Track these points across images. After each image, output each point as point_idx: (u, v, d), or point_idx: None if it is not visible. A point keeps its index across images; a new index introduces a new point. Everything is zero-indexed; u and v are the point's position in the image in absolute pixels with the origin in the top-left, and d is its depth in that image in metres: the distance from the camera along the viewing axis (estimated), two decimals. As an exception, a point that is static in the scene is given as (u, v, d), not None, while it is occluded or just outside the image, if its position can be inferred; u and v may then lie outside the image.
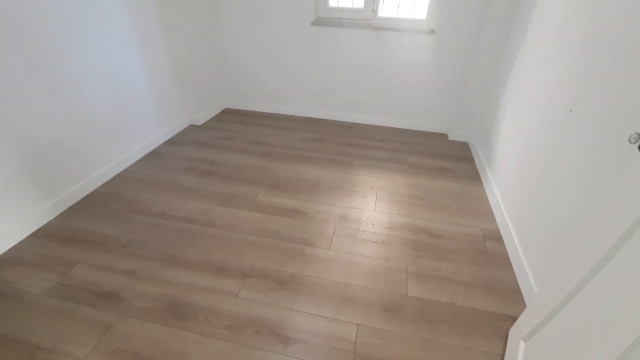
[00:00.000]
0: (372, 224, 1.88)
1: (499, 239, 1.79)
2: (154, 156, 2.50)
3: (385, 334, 1.30)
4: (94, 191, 2.08)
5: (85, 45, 1.88)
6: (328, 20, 2.74)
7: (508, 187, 1.88)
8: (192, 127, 3.00)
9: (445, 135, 3.01)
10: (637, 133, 0.69)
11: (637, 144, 0.70)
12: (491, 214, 1.99)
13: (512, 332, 1.23)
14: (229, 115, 3.29)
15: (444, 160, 2.59)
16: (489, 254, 1.70)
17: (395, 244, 1.74)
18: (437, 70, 2.75)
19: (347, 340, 1.28)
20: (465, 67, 2.67)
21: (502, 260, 1.66)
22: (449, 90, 2.82)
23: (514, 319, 1.37)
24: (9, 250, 1.62)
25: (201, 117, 3.06)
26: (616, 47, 1.13)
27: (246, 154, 2.58)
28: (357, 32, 2.72)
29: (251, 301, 1.42)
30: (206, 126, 3.04)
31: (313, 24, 2.76)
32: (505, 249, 1.73)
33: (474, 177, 2.39)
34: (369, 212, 1.98)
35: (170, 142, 2.72)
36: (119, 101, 2.19)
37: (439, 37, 2.59)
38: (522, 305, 1.44)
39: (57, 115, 1.79)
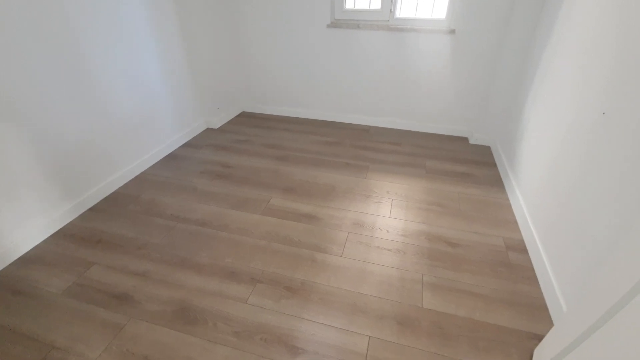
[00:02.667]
0: (387, 230, 1.82)
1: (524, 250, 1.69)
2: (171, 159, 2.54)
3: (398, 348, 1.24)
4: (113, 192, 2.13)
5: (111, 54, 1.95)
6: (344, 22, 2.70)
7: (534, 195, 1.77)
8: (209, 131, 3.03)
9: (465, 139, 2.90)
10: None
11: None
12: (515, 222, 1.88)
13: (537, 353, 1.14)
14: (245, 119, 3.31)
15: (464, 165, 2.49)
16: (512, 266, 1.60)
17: (411, 252, 1.67)
18: (457, 72, 2.65)
19: (357, 353, 1.23)
20: (488, 68, 2.56)
21: (527, 273, 1.56)
22: (471, 92, 2.71)
23: (539, 337, 1.28)
24: (32, 249, 1.68)
25: (218, 120, 3.10)
26: (657, 44, 1.03)
27: (261, 157, 2.57)
28: (374, 34, 2.67)
29: (260, 308, 1.39)
30: (223, 129, 3.07)
31: (329, 26, 2.73)
32: (530, 262, 1.62)
33: (496, 183, 2.27)
34: (384, 218, 1.91)
35: (187, 145, 2.76)
36: (141, 106, 2.25)
37: (460, 37, 2.49)
38: (548, 323, 1.34)
39: (85, 119, 1.86)
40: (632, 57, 1.14)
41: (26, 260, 1.62)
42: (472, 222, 1.89)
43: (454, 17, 2.46)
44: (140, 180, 2.27)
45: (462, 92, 2.73)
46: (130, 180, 2.25)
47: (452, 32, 2.48)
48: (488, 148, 2.75)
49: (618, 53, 1.22)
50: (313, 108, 3.25)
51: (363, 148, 2.73)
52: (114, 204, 2.02)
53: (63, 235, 1.78)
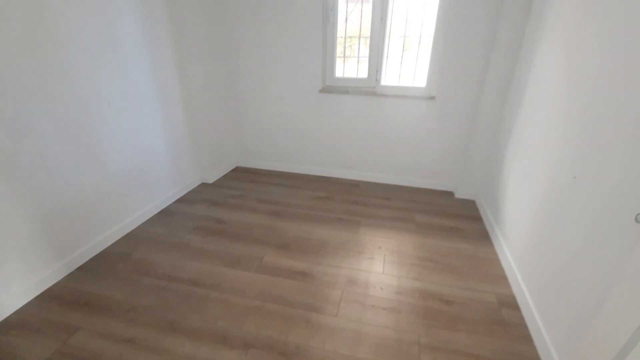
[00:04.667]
0: (381, 288, 1.82)
1: (516, 307, 1.70)
2: (164, 215, 2.55)
3: (397, 419, 1.19)
4: (103, 251, 2.10)
5: (113, 110, 2.06)
6: (335, 88, 2.96)
7: (520, 250, 1.83)
8: (203, 185, 3.09)
9: (451, 193, 3.03)
10: None
11: None
12: (505, 277, 1.92)
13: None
14: (239, 174, 3.41)
15: (452, 219, 2.58)
16: (506, 324, 1.60)
17: (406, 310, 1.67)
18: (439, 132, 2.86)
19: None
20: (466, 129, 2.78)
21: (521, 331, 1.56)
22: (452, 151, 2.90)
23: (539, 402, 1.25)
24: (14, 313, 1.61)
25: (213, 175, 3.18)
26: (621, 116, 1.19)
27: (255, 213, 2.61)
28: (362, 99, 2.91)
29: (253, 376, 1.34)
30: (217, 184, 3.14)
31: (321, 91, 2.98)
32: (524, 319, 1.63)
33: (484, 237, 2.34)
34: (377, 275, 1.93)
35: (181, 200, 2.80)
36: (137, 161, 2.32)
37: (440, 102, 2.75)
38: (547, 385, 1.32)
39: (78, 174, 1.89)
40: (594, 128, 1.30)
41: (7, 325, 1.54)
42: (464, 278, 1.91)
43: (433, 85, 2.73)
44: (132, 237, 2.25)
45: (445, 150, 2.92)
46: (121, 238, 2.24)
47: (432, 98, 2.73)
48: (473, 202, 2.88)
49: (583, 125, 1.39)
50: (305, 164, 3.38)
51: (354, 203, 2.81)
52: (103, 263, 1.99)
53: (49, 297, 1.72)
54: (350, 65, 2.96)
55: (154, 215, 2.53)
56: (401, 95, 2.80)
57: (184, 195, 2.88)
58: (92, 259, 2.02)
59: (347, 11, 2.75)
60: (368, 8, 2.66)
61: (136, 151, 2.29)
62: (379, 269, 1.98)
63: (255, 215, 2.58)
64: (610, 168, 1.15)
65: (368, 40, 2.75)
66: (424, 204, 2.81)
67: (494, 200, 2.42)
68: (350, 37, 2.86)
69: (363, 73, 2.90)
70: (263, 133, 3.36)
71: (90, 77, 1.88)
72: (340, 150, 3.21)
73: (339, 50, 2.89)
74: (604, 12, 1.33)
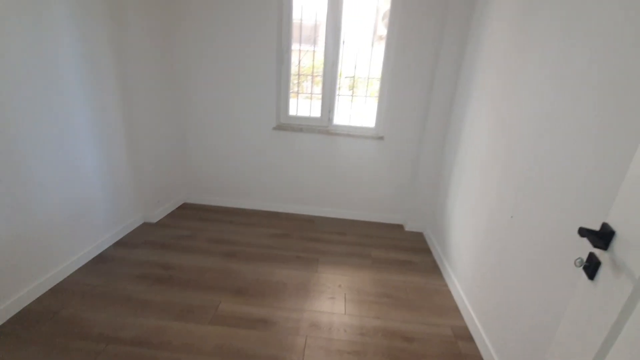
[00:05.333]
0: (345, 330, 1.80)
1: (470, 338, 1.80)
2: (100, 262, 2.26)
3: None
4: (25, 308, 1.77)
5: (43, 148, 1.82)
6: (289, 126, 3.01)
7: (468, 282, 1.98)
8: (146, 226, 2.83)
9: (402, 226, 3.19)
10: (581, 258, 0.82)
11: (582, 266, 0.82)
12: (457, 309, 2.04)
13: None
14: (187, 211, 3.20)
15: (404, 252, 2.70)
16: (464, 357, 1.68)
17: (371, 352, 1.66)
18: (389, 169, 3.05)
19: None
20: (413, 167, 3.01)
21: (477, 362, 1.65)
22: (401, 187, 3.10)
23: None
24: None
25: (157, 213, 2.94)
26: (549, 163, 1.39)
27: (207, 255, 2.45)
28: (315, 137, 3.01)
29: None
30: (162, 224, 2.90)
31: (275, 128, 3.01)
32: (479, 350, 1.73)
33: (434, 269, 2.49)
34: (340, 316, 1.91)
35: (120, 243, 2.51)
36: (71, 205, 2.06)
37: (388, 142, 2.95)
38: (505, 416, 1.39)
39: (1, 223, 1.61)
40: (526, 173, 1.50)
41: None
42: (421, 313, 1.99)
43: (381, 125, 2.95)
44: (61, 291, 1.94)
45: (394, 186, 3.11)
46: (47, 292, 1.91)
47: (381, 138, 2.93)
48: (422, 234, 3.06)
49: (515, 169, 1.60)
50: (259, 199, 3.31)
51: (311, 239, 2.80)
52: (24, 325, 1.66)
53: (-60, 380, 1.37)
54: (303, 101, 3.06)
55: (88, 263, 2.23)
56: (353, 134, 2.96)
57: (124, 238, 2.60)
58: (11, 319, 1.68)
59: (299, 52, 2.89)
60: (320, 49, 2.83)
61: (69, 193, 2.04)
62: (340, 310, 1.96)
63: (207, 258, 2.41)
64: (545, 210, 1.33)
65: (320, 78, 2.90)
66: (377, 238, 2.91)
67: (440, 233, 2.61)
68: (303, 75, 2.98)
69: (316, 112, 3.02)
70: (214, 168, 3.24)
71: (17, 110, 1.66)
72: (295, 186, 3.23)
73: (292, 87, 2.99)
74: (530, 62, 1.59)
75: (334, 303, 2.02)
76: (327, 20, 2.71)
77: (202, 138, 3.14)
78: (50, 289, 1.94)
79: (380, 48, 2.78)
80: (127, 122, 2.51)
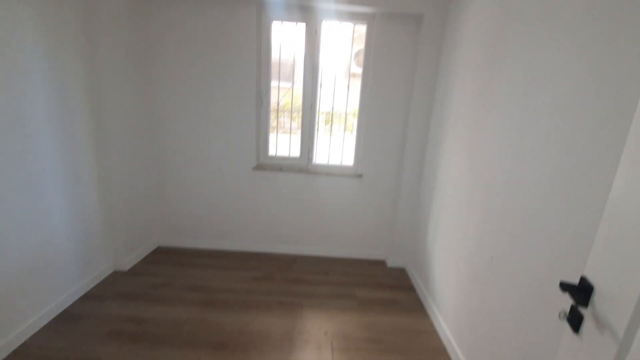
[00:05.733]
0: (333, 383, 1.72)
1: (460, 383, 1.77)
2: (65, 319, 2.07)
3: None
4: (-33, 388, 1.56)
5: (7, 188, 1.71)
6: (269, 166, 3.02)
7: (454, 323, 1.98)
8: (117, 274, 2.66)
9: (384, 262, 3.19)
10: (565, 311, 0.85)
11: (566, 319, 0.84)
12: (445, 351, 2.01)
13: None
14: (162, 256, 3.04)
15: (388, 290, 2.68)
16: (456, 404, 1.64)
17: (362, 407, 1.59)
18: (368, 207, 3.10)
19: None
20: (392, 203, 3.08)
21: (469, 410, 1.61)
22: (382, 223, 3.14)
23: None
24: None
25: (129, 260, 2.77)
26: (521, 209, 1.46)
27: (183, 305, 2.31)
28: (295, 176, 3.02)
29: None
30: (134, 271, 2.73)
31: (254, 168, 3.01)
32: (469, 395, 1.70)
33: (419, 307, 2.47)
34: (328, 367, 1.83)
35: (88, 297, 2.33)
36: (33, 252, 1.90)
37: (366, 180, 3.02)
38: None
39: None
40: (495, 215, 1.57)
41: None
42: (410, 357, 1.94)
43: (359, 164, 3.02)
44: (20, 356, 1.74)
45: (375, 222, 3.14)
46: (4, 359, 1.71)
47: (360, 176, 3.00)
48: (404, 270, 3.07)
49: (491, 210, 1.67)
50: (238, 240, 3.22)
51: (294, 281, 2.73)
52: (-34, 409, 1.46)
53: None
54: (282, 136, 3.08)
55: (52, 322, 2.03)
56: (332, 173, 3.00)
57: (93, 290, 2.41)
58: (-53, 405, 1.47)
59: (278, 89, 2.96)
60: (298, 85, 2.91)
61: (32, 242, 1.89)
62: (328, 360, 1.88)
63: (184, 308, 2.28)
64: (524, 253, 1.38)
65: (298, 113, 2.96)
66: (360, 276, 2.88)
67: (423, 270, 2.62)
68: (282, 111, 3.03)
69: (295, 152, 3.06)
70: (191, 208, 3.15)
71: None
72: (275, 225, 3.18)
73: (271, 122, 3.01)
74: (496, 109, 1.71)
75: (320, 354, 1.93)
76: (304, 58, 2.81)
77: (179, 178, 3.07)
78: (8, 356, 1.74)
79: (357, 84, 2.91)
80: (100, 163, 2.42)
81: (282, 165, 3.03)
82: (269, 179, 3.05)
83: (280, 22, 2.76)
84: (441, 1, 2.52)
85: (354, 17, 2.72)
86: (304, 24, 2.73)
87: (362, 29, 2.78)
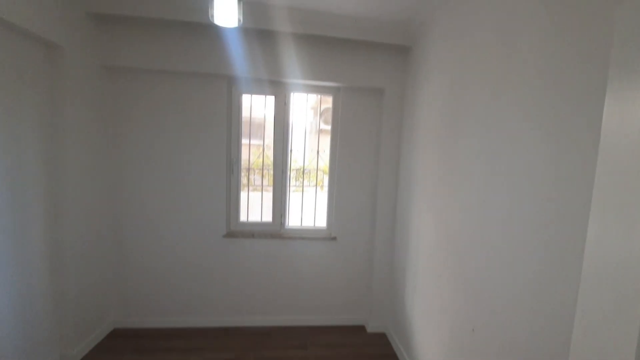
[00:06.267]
0: None
1: None
2: None
3: None
4: None
5: None
6: (240, 233, 2.93)
7: (441, 399, 1.88)
8: (62, 372, 2.30)
9: (363, 328, 3.06)
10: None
11: None
12: None
13: None
14: (118, 341, 2.71)
15: (370, 362, 2.54)
16: None
17: None
18: (344, 270, 3.04)
19: None
20: (367, 266, 3.05)
21: None
22: (358, 287, 3.07)
23: None
24: None
25: (78, 350, 2.43)
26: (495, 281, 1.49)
27: (142, 406, 2.02)
28: (268, 242, 2.94)
29: None
30: (85, 365, 2.39)
31: (225, 236, 2.89)
32: None
33: (404, 380, 2.35)
34: None
35: (23, 407, 1.97)
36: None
37: (341, 242, 3.00)
38: None
39: None
40: (471, 284, 1.58)
41: None
42: None
43: (333, 226, 3.02)
44: None
45: (351, 286, 3.06)
46: None
47: (334, 238, 2.98)
48: (384, 335, 2.95)
49: (468, 281, 1.69)
50: (207, 315, 2.97)
51: (268, 361, 2.51)
52: None
53: None
54: (254, 196, 3.02)
55: None
56: (306, 237, 2.96)
57: (29, 397, 2.05)
58: None
59: (249, 146, 2.97)
60: (269, 141, 2.94)
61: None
62: None
63: (143, 410, 1.98)
64: (506, 325, 1.38)
65: (269, 172, 2.97)
66: (340, 347, 2.72)
67: (404, 336, 2.54)
68: (253, 169, 3.02)
69: (267, 217, 3.01)
70: (153, 284, 2.90)
71: None
72: (247, 296, 2.99)
73: (242, 180, 2.97)
74: (460, 183, 1.81)
75: None
76: (274, 122, 2.89)
77: (141, 250, 2.85)
78: None
79: (327, 139, 3.01)
80: (51, 236, 2.21)
81: (254, 232, 2.95)
82: (240, 247, 2.93)
83: (250, 95, 2.87)
84: (399, 78, 2.79)
85: (320, 90, 2.91)
86: (272, 97, 2.86)
87: (328, 98, 2.96)
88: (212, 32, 2.52)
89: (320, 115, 3.59)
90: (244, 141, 2.93)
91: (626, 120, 0.78)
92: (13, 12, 1.76)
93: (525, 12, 1.33)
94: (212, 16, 1.32)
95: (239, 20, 1.35)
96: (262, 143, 3.01)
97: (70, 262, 2.33)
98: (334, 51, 2.70)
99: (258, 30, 2.50)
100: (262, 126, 2.99)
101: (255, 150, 3.00)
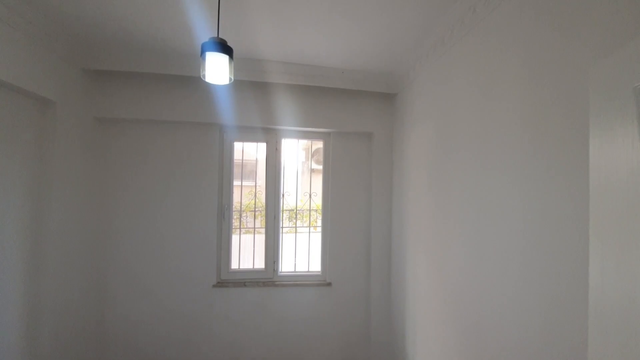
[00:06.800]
0: None
1: None
2: None
3: None
4: None
5: None
6: (231, 282, 2.81)
7: None
8: None
9: (363, 382, 2.86)
10: None
11: None
12: None
13: None
14: (95, 411, 2.44)
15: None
16: None
17: None
18: (340, 317, 2.89)
19: None
20: (365, 314, 2.92)
21: None
22: (355, 337, 2.91)
23: None
24: None
25: None
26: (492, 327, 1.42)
27: None
28: (260, 290, 2.82)
29: None
30: None
31: (215, 286, 2.77)
32: None
33: None
34: None
35: None
36: None
37: (336, 288, 2.89)
38: None
39: None
40: (475, 336, 1.51)
41: None
42: None
43: (327, 271, 2.93)
44: None
45: (348, 334, 2.91)
46: None
47: (329, 284, 2.88)
48: (386, 389, 2.75)
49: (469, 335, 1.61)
50: (194, 374, 2.75)
51: None
52: None
53: None
54: (245, 238, 2.94)
55: None
56: (300, 283, 2.86)
57: None
58: None
59: (241, 188, 2.93)
60: (261, 182, 2.93)
61: None
62: None
63: None
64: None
65: (262, 213, 2.92)
66: (339, 407, 2.51)
67: (407, 391, 2.37)
68: (245, 211, 2.96)
69: (260, 263, 2.91)
70: (138, 335, 2.68)
71: None
72: (237, 351, 2.79)
73: (234, 223, 2.91)
74: (450, 220, 1.79)
75: None
76: (266, 165, 2.90)
77: (126, 301, 2.68)
78: None
79: (319, 178, 3.00)
80: (29, 292, 2.06)
81: (245, 280, 2.83)
82: (231, 296, 2.79)
83: (241, 142, 2.91)
84: (386, 122, 2.89)
85: (311, 135, 2.97)
86: (264, 143, 2.91)
87: (319, 142, 3.02)
88: (203, 84, 2.60)
89: (312, 155, 3.65)
90: (236, 183, 2.92)
91: (613, 163, 0.81)
92: (10, 73, 1.79)
93: (502, 64, 1.42)
94: (204, 75, 1.36)
95: (230, 79, 1.40)
96: (254, 184, 3.00)
97: (49, 317, 2.16)
98: (323, 99, 2.80)
99: (250, 81, 2.60)
100: (254, 168, 3.00)
101: (247, 192, 2.98)
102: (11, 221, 1.95)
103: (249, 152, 2.97)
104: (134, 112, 2.59)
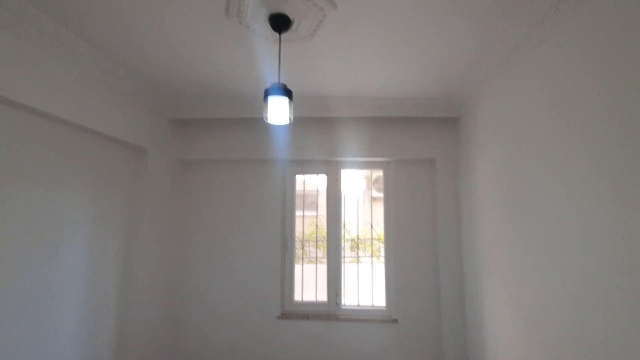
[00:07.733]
0: None
1: None
2: None
3: None
4: None
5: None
6: (294, 314, 2.81)
7: None
8: None
9: None
10: None
11: None
12: None
13: None
14: None
15: None
16: None
17: None
18: (408, 357, 2.67)
19: None
20: (437, 353, 2.65)
21: None
22: (427, 380, 2.64)
23: None
24: None
25: None
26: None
27: None
28: (323, 324, 2.76)
29: None
30: None
31: (279, 317, 2.79)
32: None
33: None
34: None
35: None
36: None
37: (402, 325, 2.69)
38: None
39: None
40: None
41: None
42: None
43: (392, 306, 2.75)
44: None
45: (418, 378, 2.65)
46: None
47: (395, 321, 2.69)
48: None
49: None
50: (260, 407, 2.73)
51: None
52: None
53: None
54: (308, 268, 2.93)
55: None
56: (363, 318, 2.74)
57: None
58: None
59: (303, 218, 2.98)
60: (323, 213, 2.95)
61: None
62: None
63: None
64: None
65: (324, 243, 2.92)
66: None
67: None
68: (307, 241, 2.99)
69: (322, 296, 2.88)
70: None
71: None
72: (302, 385, 2.73)
73: (297, 252, 2.95)
74: (531, 251, 1.57)
75: None
76: (327, 196, 2.93)
77: (198, 330, 2.85)
78: None
79: (380, 207, 2.92)
80: (120, 325, 2.33)
81: (308, 313, 2.81)
82: (294, 329, 2.78)
83: (302, 175, 3.02)
84: (450, 147, 2.74)
85: (370, 165, 2.96)
86: (324, 175, 2.97)
87: (379, 172, 2.98)
88: (267, 123, 2.80)
89: (373, 183, 3.61)
90: (298, 213, 3.00)
91: None
92: (116, 129, 2.18)
93: (580, 74, 1.27)
94: (266, 117, 1.47)
95: (290, 119, 1.49)
96: (315, 214, 3.04)
97: (134, 338, 2.42)
98: (382, 128, 2.79)
99: (311, 117, 2.72)
100: (315, 199, 3.06)
101: (309, 222, 3.03)
102: (108, 262, 2.28)
103: (311, 183, 3.05)
104: (207, 153, 2.91)
